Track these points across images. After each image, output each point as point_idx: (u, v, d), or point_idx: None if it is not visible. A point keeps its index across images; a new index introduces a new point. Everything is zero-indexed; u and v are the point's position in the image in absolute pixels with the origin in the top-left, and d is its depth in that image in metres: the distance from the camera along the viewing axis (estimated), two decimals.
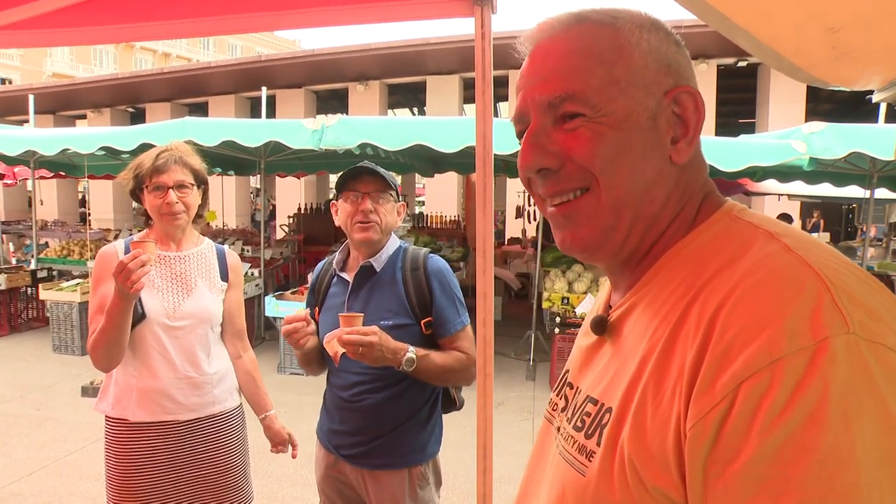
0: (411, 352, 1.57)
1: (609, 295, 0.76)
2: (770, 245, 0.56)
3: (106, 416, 1.85)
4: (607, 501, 0.58)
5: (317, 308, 1.86)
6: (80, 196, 20.37)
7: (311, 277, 1.96)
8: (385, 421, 1.69)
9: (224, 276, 1.97)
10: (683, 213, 0.65)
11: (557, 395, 0.77)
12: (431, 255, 1.79)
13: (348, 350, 1.50)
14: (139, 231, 1.97)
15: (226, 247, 2.06)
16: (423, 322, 1.70)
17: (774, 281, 0.51)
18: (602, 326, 0.69)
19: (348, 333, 1.49)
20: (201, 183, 1.89)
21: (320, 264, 1.94)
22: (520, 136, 0.69)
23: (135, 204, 1.88)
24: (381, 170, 1.72)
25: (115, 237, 9.57)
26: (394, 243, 1.79)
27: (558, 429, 0.71)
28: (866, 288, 0.52)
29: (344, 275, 1.79)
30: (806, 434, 0.44)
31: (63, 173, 9.58)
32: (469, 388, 1.77)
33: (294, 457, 2.04)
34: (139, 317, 1.76)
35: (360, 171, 1.69)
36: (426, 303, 1.71)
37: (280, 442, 2.02)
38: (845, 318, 0.47)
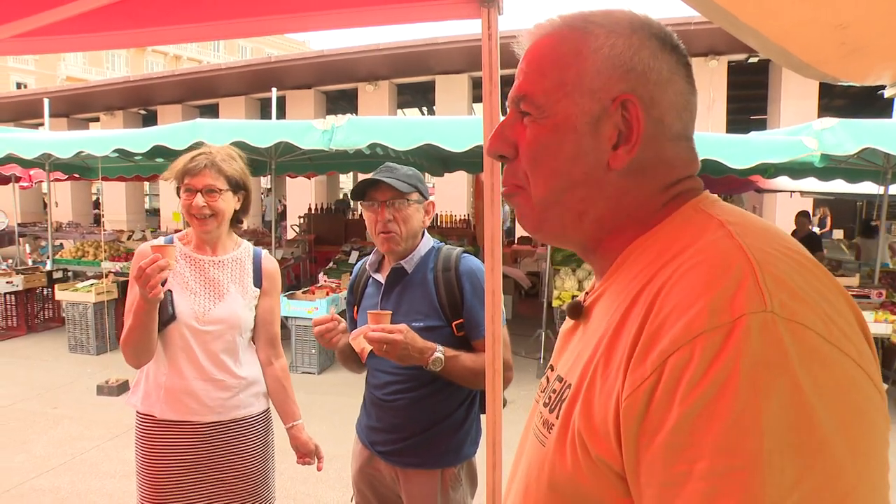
0: (439, 352, 1.55)
1: (593, 282, 0.80)
2: (716, 232, 0.59)
3: (137, 411, 1.87)
4: (560, 470, 0.62)
5: (355, 307, 1.87)
6: (93, 198, 20.61)
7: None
8: (418, 420, 1.69)
9: (258, 283, 1.94)
10: (640, 213, 0.68)
11: (545, 377, 0.80)
12: (465, 254, 1.76)
13: (374, 347, 1.49)
14: (176, 231, 1.95)
15: (264, 252, 2.02)
16: (454, 324, 1.67)
17: (708, 264, 0.54)
18: (577, 311, 0.74)
19: (373, 330, 1.48)
20: (238, 188, 1.87)
21: (359, 263, 1.93)
22: None
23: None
24: (397, 174, 1.69)
25: (128, 238, 9.69)
26: (427, 244, 1.77)
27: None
28: (799, 272, 0.54)
29: (377, 276, 1.79)
30: (717, 403, 0.47)
31: (77, 175, 9.72)
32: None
33: (319, 469, 2.00)
34: (170, 317, 1.78)
35: (375, 181, 1.67)
36: (457, 304, 1.68)
37: (306, 453, 1.98)
38: (764, 298, 0.50)
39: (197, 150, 1.84)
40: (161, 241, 1.83)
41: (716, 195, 0.69)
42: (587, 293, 0.76)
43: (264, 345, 1.98)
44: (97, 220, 16.92)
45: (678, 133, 0.68)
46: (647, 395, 0.51)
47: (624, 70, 0.66)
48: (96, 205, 19.94)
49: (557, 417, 0.64)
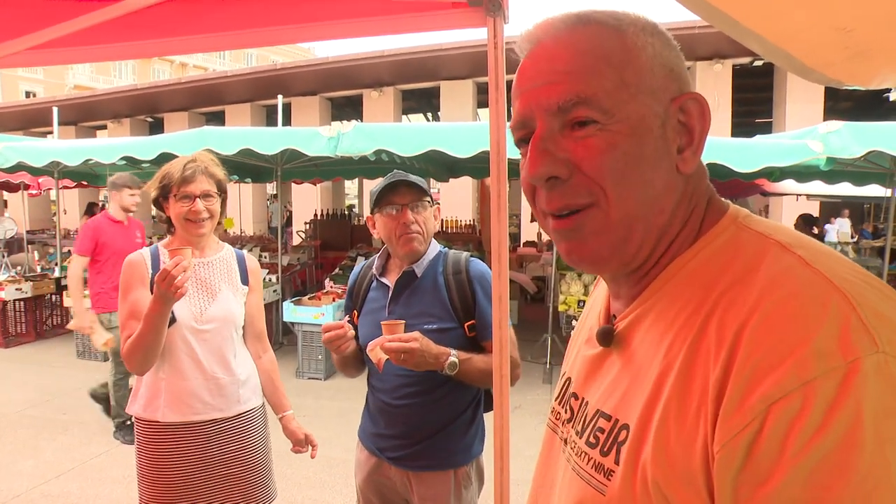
0: (453, 356, 1.59)
1: (608, 303, 0.74)
2: (784, 258, 0.54)
3: (136, 417, 1.91)
4: None
5: (355, 312, 1.89)
6: (100, 205, 20.75)
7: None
8: (430, 423, 1.71)
9: (245, 280, 2.04)
10: (691, 222, 0.64)
11: (561, 405, 0.75)
12: (473, 258, 1.81)
13: (391, 357, 1.52)
14: (160, 238, 2.04)
15: (245, 251, 2.13)
16: (466, 325, 1.71)
17: (798, 299, 0.50)
18: (608, 338, 0.67)
19: (390, 341, 1.52)
20: (222, 192, 1.96)
21: (357, 268, 1.95)
22: (520, 143, 0.66)
23: (154, 212, 1.96)
24: (415, 178, 1.72)
25: None
26: (434, 248, 1.80)
27: (565, 441, 0.70)
28: (888, 301, 0.51)
29: (384, 280, 1.80)
30: (841, 456, 0.44)
31: (85, 183, 9.80)
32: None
33: (313, 457, 2.07)
34: (169, 321, 1.82)
35: (397, 184, 1.69)
36: (469, 306, 1.72)
37: (296, 442, 2.06)
38: (874, 337, 0.46)
39: (185, 159, 1.91)
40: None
41: (746, 209, 0.65)
42: (616, 318, 0.68)
43: (253, 340, 2.08)
44: None
45: None
46: (747, 443, 0.47)
47: (668, 69, 0.61)
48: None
49: (618, 463, 0.58)
